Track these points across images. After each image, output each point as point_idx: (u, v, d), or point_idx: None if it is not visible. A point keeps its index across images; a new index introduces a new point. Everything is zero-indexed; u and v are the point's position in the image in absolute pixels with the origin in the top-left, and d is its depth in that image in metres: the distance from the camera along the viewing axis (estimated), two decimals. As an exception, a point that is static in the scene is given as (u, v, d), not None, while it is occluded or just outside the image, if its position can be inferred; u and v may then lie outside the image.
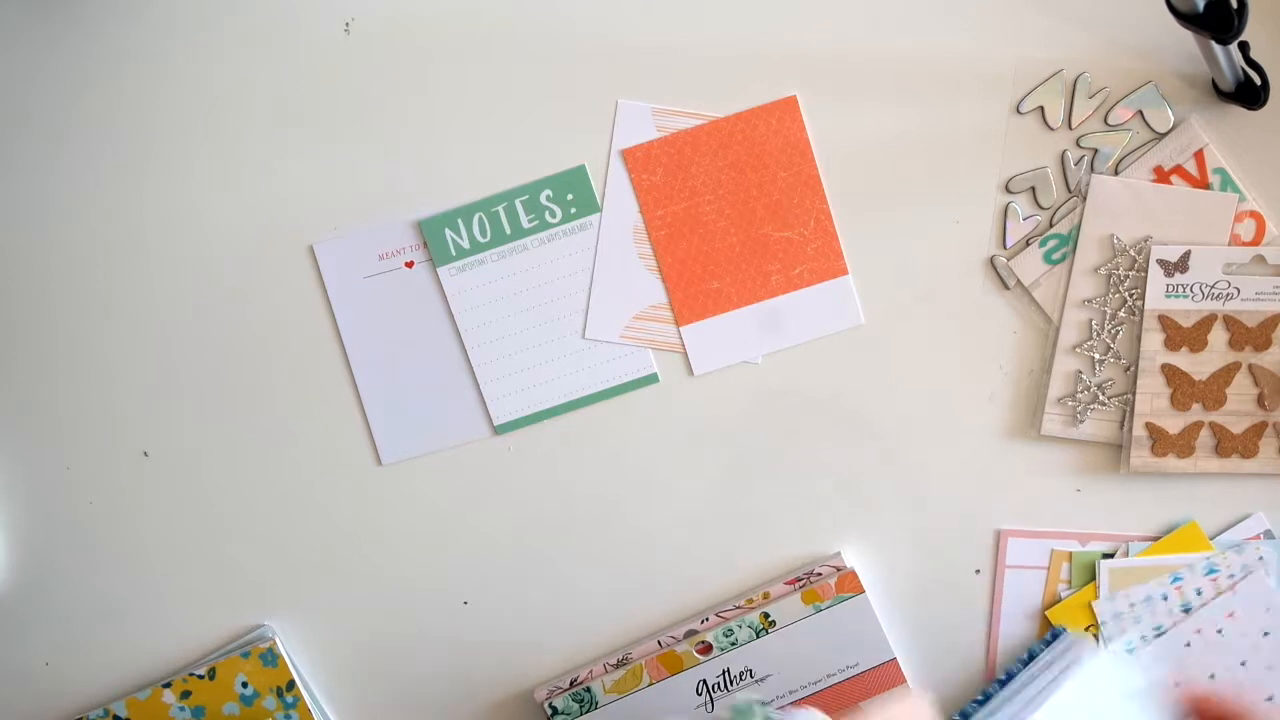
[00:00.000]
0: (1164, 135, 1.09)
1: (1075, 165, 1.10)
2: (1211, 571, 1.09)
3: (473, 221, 1.12)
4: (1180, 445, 1.09)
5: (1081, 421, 1.10)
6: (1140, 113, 1.09)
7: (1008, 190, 1.10)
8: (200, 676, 1.14)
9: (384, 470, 1.15)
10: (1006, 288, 1.11)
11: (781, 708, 0.99)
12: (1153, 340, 1.09)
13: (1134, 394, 1.09)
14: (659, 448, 1.13)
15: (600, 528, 1.14)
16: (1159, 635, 1.09)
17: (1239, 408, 1.08)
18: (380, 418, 1.14)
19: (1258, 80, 1.05)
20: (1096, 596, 1.10)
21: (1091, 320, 1.10)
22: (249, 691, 1.14)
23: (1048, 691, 1.01)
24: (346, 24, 1.12)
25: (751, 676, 1.11)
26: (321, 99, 1.13)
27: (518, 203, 1.12)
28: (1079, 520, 1.11)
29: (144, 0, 1.13)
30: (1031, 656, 1.09)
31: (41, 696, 1.16)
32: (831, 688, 1.11)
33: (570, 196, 1.12)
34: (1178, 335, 1.08)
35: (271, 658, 1.13)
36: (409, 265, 1.13)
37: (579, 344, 1.13)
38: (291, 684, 1.14)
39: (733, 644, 1.11)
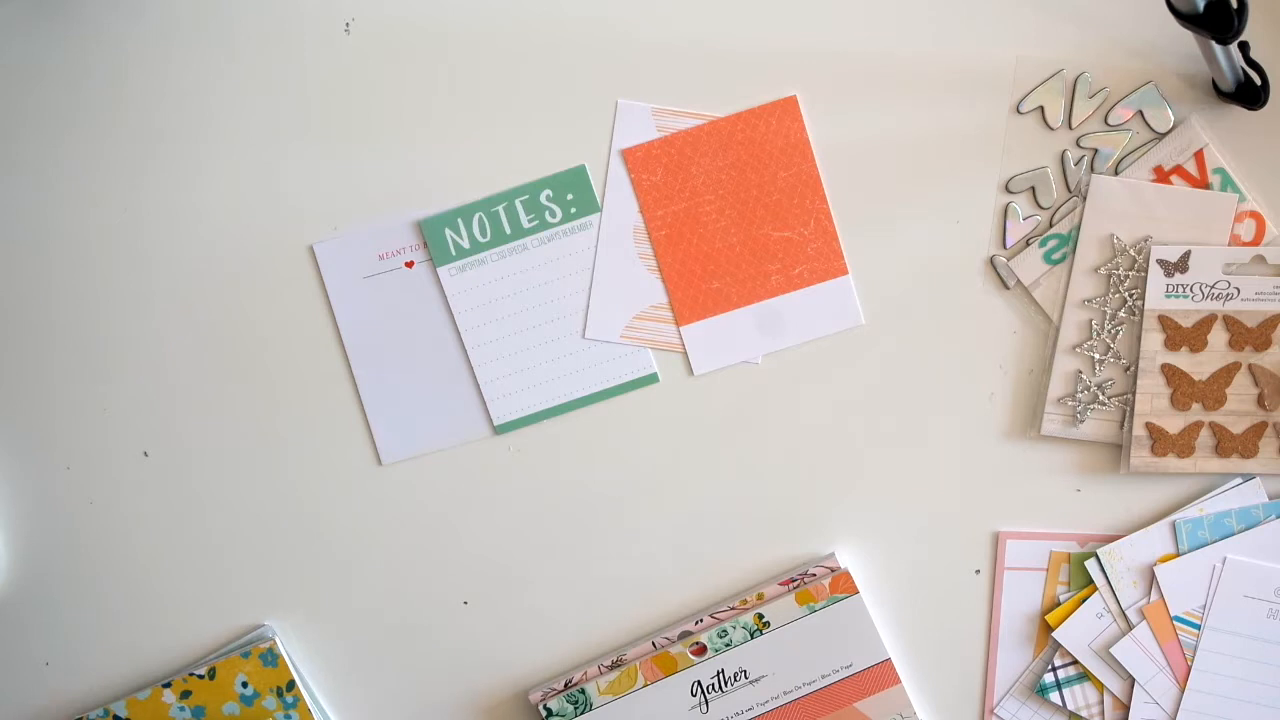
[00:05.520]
0: (1164, 135, 1.09)
1: (1075, 165, 1.09)
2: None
3: (473, 221, 1.13)
4: (1180, 445, 1.09)
5: (1081, 421, 1.10)
6: (1140, 113, 1.09)
7: (1008, 190, 1.10)
8: (200, 676, 1.14)
9: (384, 470, 1.15)
10: (1006, 288, 1.11)
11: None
12: (1153, 340, 1.08)
13: (1134, 394, 1.09)
14: (658, 448, 1.13)
15: (598, 528, 1.14)
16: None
17: (1239, 408, 1.08)
18: (380, 418, 1.14)
19: (1258, 80, 1.05)
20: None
21: (1091, 320, 1.09)
22: (249, 691, 1.14)
23: None
24: (346, 24, 1.13)
25: (746, 678, 1.11)
26: (321, 99, 1.13)
27: (518, 203, 1.12)
28: (1078, 520, 1.11)
29: (144, 0, 1.13)
30: None
31: (41, 696, 1.17)
32: (826, 688, 1.11)
33: (570, 196, 1.12)
34: (1178, 335, 1.08)
35: (271, 658, 1.13)
36: (409, 265, 1.13)
37: (579, 344, 1.13)
38: (291, 684, 1.14)
39: (727, 645, 1.11)
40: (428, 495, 1.15)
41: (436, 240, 1.13)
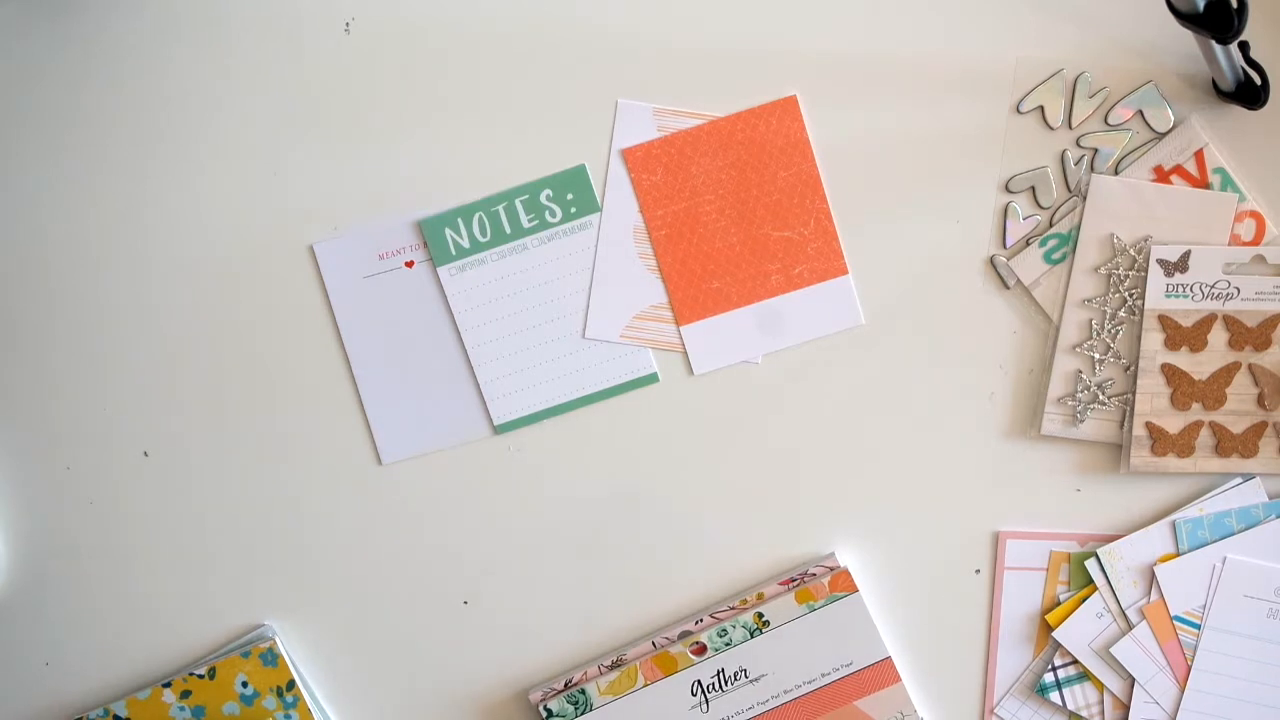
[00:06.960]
0: (1164, 135, 1.09)
1: (1075, 165, 1.09)
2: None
3: (473, 221, 1.13)
4: (1180, 445, 1.09)
5: (1081, 421, 1.10)
6: (1140, 112, 1.09)
7: (1008, 190, 1.10)
8: (200, 676, 1.14)
9: (384, 470, 1.15)
10: (1006, 287, 1.11)
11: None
12: (1153, 340, 1.08)
13: (1134, 394, 1.09)
14: (658, 448, 1.13)
15: (598, 528, 1.14)
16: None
17: (1239, 407, 1.08)
18: (380, 418, 1.14)
19: (1258, 80, 1.05)
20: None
21: (1091, 320, 1.09)
22: (249, 691, 1.14)
23: None
24: (346, 24, 1.13)
25: (746, 677, 1.11)
26: (322, 99, 1.13)
27: (518, 202, 1.12)
28: (1078, 519, 1.11)
29: (143, 0, 1.13)
30: None
31: (41, 696, 1.17)
32: (826, 687, 1.11)
33: (570, 196, 1.12)
34: (1178, 335, 1.08)
35: (271, 657, 1.13)
36: (409, 265, 1.13)
37: (579, 344, 1.13)
38: (291, 684, 1.14)
39: (727, 644, 1.11)
40: (428, 495, 1.15)
41: (436, 240, 1.13)
